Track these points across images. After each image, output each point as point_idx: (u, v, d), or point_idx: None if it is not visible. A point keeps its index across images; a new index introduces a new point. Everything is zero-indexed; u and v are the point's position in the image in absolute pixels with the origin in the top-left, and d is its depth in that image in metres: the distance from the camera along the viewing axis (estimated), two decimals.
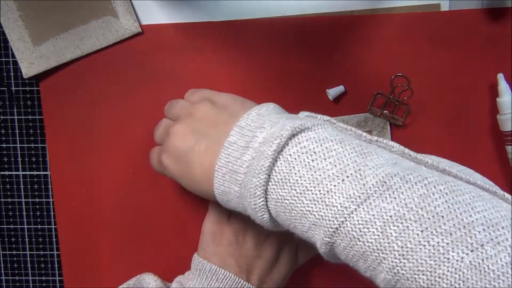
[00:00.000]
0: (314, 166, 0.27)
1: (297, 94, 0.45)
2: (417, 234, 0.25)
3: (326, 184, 0.27)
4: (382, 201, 0.26)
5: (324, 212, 0.27)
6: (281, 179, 0.28)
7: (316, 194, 0.27)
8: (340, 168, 0.27)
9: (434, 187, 0.26)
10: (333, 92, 0.44)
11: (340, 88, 0.45)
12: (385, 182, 0.26)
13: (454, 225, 0.24)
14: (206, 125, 0.34)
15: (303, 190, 0.27)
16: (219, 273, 0.39)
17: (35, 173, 0.48)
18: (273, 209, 0.29)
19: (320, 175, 0.27)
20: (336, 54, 0.45)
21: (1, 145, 0.48)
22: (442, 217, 0.25)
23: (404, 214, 0.25)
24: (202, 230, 0.42)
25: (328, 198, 0.26)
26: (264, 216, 0.30)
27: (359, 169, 0.27)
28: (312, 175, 0.27)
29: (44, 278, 0.49)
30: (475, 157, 0.46)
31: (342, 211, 0.26)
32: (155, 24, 0.45)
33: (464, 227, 0.24)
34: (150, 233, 0.47)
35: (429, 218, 0.25)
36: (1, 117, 0.47)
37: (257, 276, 0.40)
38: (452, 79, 0.45)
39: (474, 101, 0.45)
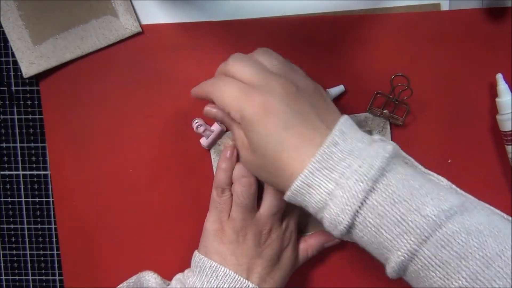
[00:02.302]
0: (408, 184, 0.31)
1: None
2: (494, 247, 0.29)
3: (420, 199, 0.31)
4: (463, 218, 0.30)
5: (419, 222, 0.30)
6: (381, 188, 0.31)
7: (412, 205, 0.30)
8: (427, 190, 0.31)
9: (493, 214, 0.32)
10: (333, 92, 0.44)
11: (340, 88, 0.45)
12: (463, 205, 0.31)
13: None
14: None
15: (400, 201, 0.31)
16: (219, 271, 0.40)
17: (35, 173, 0.48)
18: (362, 216, 0.31)
19: (413, 192, 0.31)
20: (336, 54, 0.45)
21: (1, 145, 0.48)
22: (508, 236, 0.30)
23: (481, 230, 0.30)
24: (203, 228, 0.42)
25: (423, 210, 0.30)
26: (346, 220, 0.31)
27: (441, 193, 0.31)
28: (407, 190, 0.31)
29: (44, 278, 0.49)
30: (475, 157, 0.46)
31: (435, 221, 0.30)
32: (155, 24, 0.45)
33: None
34: (150, 233, 0.47)
35: (500, 236, 0.30)
36: (1, 117, 0.47)
37: (258, 275, 0.40)
38: (452, 78, 0.45)
39: (474, 101, 0.45)
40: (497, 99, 0.43)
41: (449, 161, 0.46)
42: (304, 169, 0.32)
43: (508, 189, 0.46)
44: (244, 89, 0.34)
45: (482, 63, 0.45)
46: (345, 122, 0.34)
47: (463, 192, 0.34)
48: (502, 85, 0.43)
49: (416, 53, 0.45)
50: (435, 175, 0.35)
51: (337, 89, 0.44)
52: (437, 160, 0.46)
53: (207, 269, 0.40)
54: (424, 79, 0.45)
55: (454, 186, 0.35)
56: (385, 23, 0.45)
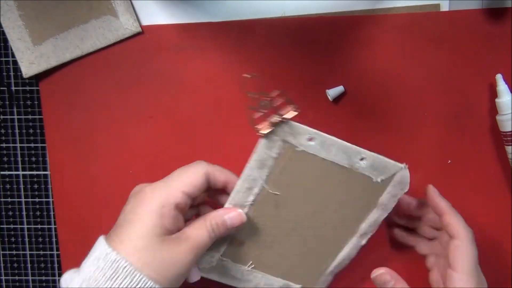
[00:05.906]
0: None
1: (297, 94, 0.45)
2: None
3: None
4: None
5: None
6: None
7: None
8: None
9: None
10: (332, 93, 0.44)
11: (339, 89, 0.45)
12: None
13: None
14: None
15: None
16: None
17: (35, 173, 0.48)
18: None
19: None
20: (336, 54, 0.45)
21: (1, 145, 0.48)
22: None
23: None
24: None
25: None
26: None
27: None
28: None
29: (44, 278, 0.49)
30: (475, 157, 0.46)
31: None
32: (155, 24, 0.45)
33: None
34: None
35: None
36: (1, 117, 0.47)
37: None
38: (452, 79, 0.45)
39: (474, 101, 0.45)
40: (497, 100, 0.43)
41: (449, 161, 0.46)
42: None
43: (508, 189, 0.46)
44: None
45: (482, 63, 0.45)
46: None
47: None
48: (501, 86, 0.43)
49: (416, 53, 0.45)
50: None
51: (337, 90, 0.44)
52: (437, 161, 0.46)
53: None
54: (424, 79, 0.45)
55: None
56: (385, 23, 0.45)
